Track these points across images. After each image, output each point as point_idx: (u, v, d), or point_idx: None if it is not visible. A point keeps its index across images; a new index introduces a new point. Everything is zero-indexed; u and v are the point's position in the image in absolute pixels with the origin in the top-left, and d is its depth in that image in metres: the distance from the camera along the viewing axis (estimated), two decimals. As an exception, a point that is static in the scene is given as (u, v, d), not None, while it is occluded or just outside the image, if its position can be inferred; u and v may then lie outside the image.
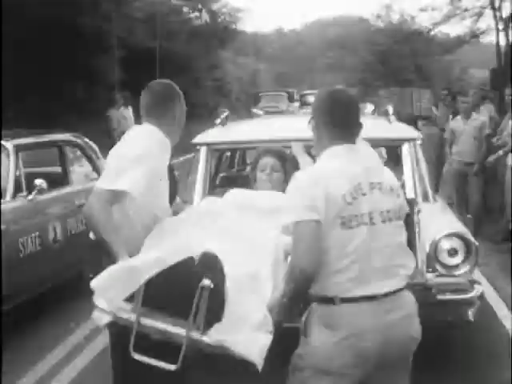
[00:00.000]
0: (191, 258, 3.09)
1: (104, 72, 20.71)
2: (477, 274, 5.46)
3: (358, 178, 3.03)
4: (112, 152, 3.72)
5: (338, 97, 3.24)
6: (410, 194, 5.29)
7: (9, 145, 6.54)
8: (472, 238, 5.07)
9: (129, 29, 21.49)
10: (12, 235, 6.07)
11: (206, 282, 2.95)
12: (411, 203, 5.22)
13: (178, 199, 4.48)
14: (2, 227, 5.91)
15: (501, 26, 31.56)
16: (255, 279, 3.20)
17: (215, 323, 3.00)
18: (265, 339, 3.01)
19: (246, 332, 2.98)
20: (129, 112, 17.03)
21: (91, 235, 3.68)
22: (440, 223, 5.30)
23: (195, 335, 2.99)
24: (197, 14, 31.12)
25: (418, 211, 5.14)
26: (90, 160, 8.05)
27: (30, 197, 6.46)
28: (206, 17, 30.90)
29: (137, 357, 3.08)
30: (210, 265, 3.05)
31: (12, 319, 6.15)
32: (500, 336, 5.93)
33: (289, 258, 3.16)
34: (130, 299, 3.10)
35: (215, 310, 2.99)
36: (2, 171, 6.37)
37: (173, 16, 28.05)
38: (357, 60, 67.60)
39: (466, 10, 33.70)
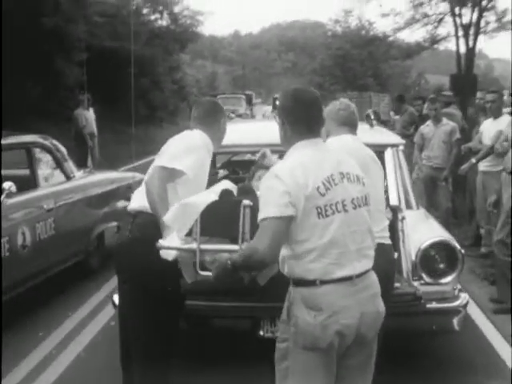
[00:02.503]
0: (230, 191, 3.99)
1: (64, 73, 20.33)
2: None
3: (329, 169, 3.27)
4: (170, 142, 4.25)
5: (300, 95, 3.46)
6: (394, 201, 5.19)
7: (-25, 146, 6.30)
8: (458, 246, 5.03)
9: (90, 30, 21.12)
10: (-20, 241, 5.83)
11: (246, 201, 3.58)
12: (395, 210, 5.16)
13: None
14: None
15: (460, 33, 31.99)
16: None
17: None
18: None
19: None
20: (90, 113, 16.72)
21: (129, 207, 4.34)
22: (425, 231, 5.26)
23: None
24: (157, 15, 30.92)
25: (403, 218, 5.06)
26: (57, 162, 7.82)
27: (-1, 200, 6.22)
28: (167, 19, 30.75)
29: (203, 273, 3.71)
30: (247, 190, 3.96)
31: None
32: (472, 338, 5.91)
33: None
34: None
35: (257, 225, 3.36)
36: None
37: (133, 18, 27.81)
38: (314, 64, 68.05)
39: (426, 15, 33.99)
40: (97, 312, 7.00)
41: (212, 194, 3.96)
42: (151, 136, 29.32)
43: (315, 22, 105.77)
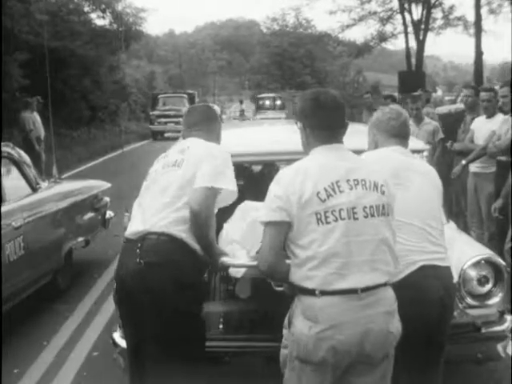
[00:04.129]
0: None
1: (6, 75, 19.24)
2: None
3: (335, 175, 3.11)
4: (198, 155, 3.92)
5: (321, 99, 3.28)
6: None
7: None
8: (502, 262, 4.50)
9: (31, 29, 20.03)
10: None
11: None
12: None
13: None
14: None
15: (410, 29, 31.97)
16: None
17: None
18: None
19: None
20: (37, 116, 15.76)
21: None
22: (463, 248, 4.66)
23: None
24: (99, 13, 29.87)
25: (439, 233, 4.50)
26: (22, 173, 7.03)
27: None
28: (109, 17, 29.68)
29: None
30: None
31: None
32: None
33: None
34: None
35: None
36: None
37: (74, 16, 26.75)
38: (251, 62, 67.85)
39: (374, 12, 33.74)
40: (75, 340, 6.28)
41: None
42: (94, 137, 28.45)
43: (250, 21, 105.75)
